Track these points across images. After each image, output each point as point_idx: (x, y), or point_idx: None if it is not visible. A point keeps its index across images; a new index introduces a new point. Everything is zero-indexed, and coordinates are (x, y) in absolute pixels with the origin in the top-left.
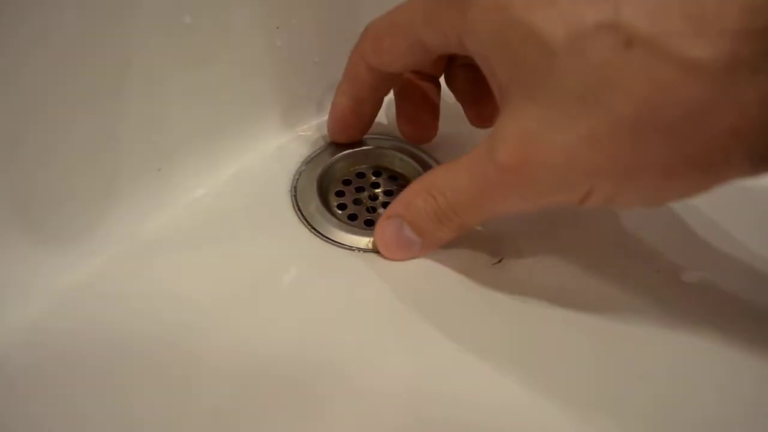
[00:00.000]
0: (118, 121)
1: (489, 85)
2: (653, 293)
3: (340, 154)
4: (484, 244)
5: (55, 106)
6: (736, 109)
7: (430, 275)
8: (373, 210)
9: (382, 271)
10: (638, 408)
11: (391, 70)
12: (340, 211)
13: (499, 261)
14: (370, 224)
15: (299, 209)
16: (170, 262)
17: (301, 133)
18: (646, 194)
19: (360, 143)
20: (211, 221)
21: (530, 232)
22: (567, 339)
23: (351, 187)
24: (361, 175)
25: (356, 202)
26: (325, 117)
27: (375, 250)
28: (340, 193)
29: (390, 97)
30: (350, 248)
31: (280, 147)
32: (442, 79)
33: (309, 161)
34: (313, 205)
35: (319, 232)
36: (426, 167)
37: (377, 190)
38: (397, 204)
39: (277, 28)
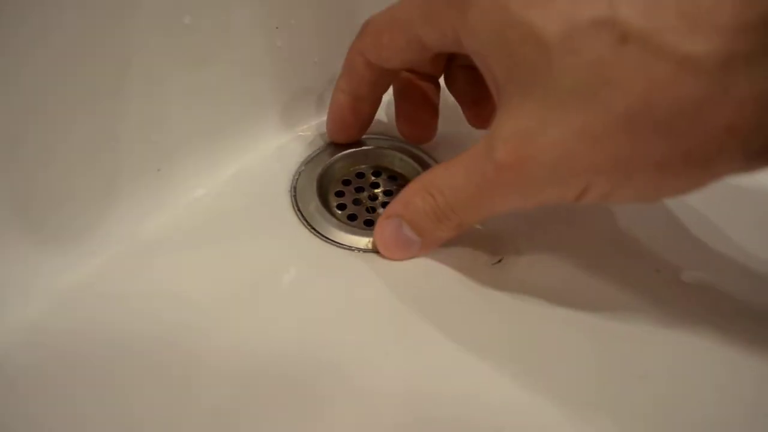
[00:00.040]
0: (118, 121)
1: (487, 85)
2: (653, 293)
3: (340, 154)
4: (484, 244)
5: (55, 106)
6: (731, 104)
7: (430, 275)
8: (373, 210)
9: (381, 271)
10: (638, 408)
11: (389, 66)
12: (339, 211)
13: (499, 261)
14: (369, 224)
15: (299, 209)
16: (170, 262)
17: (301, 133)
18: (642, 190)
19: (359, 143)
20: (211, 221)
21: (530, 231)
22: (567, 339)
23: (351, 187)
24: (360, 175)
25: (356, 202)
26: (325, 117)
27: (375, 250)
28: (339, 193)
29: (389, 97)
30: (350, 248)
31: (280, 147)
32: (441, 80)
33: (309, 161)
34: (313, 205)
35: (318, 232)
36: (425, 167)
37: (377, 190)
38: (396, 203)
39: (277, 28)
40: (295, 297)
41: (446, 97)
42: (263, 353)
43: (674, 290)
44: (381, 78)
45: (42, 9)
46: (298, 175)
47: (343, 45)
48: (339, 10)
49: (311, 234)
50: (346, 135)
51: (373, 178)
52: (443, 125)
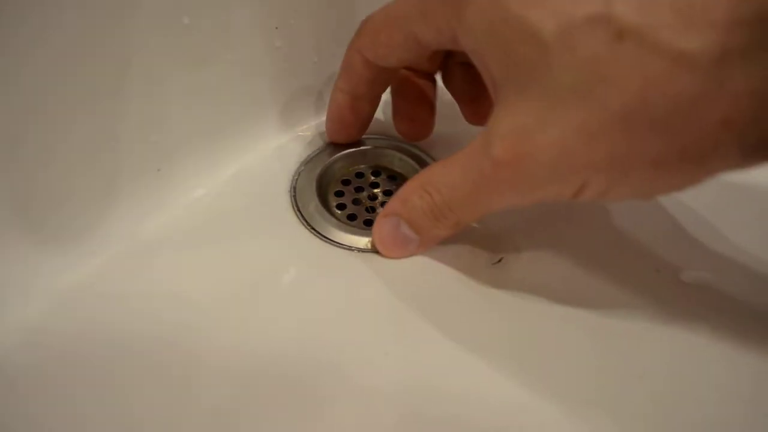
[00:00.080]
0: (118, 121)
1: (484, 82)
2: (652, 292)
3: (339, 154)
4: (484, 244)
5: (55, 106)
6: (727, 100)
7: (431, 275)
8: (373, 210)
9: (381, 271)
10: (637, 407)
11: (386, 64)
12: (339, 211)
13: (499, 260)
14: (369, 224)
15: (298, 209)
16: (170, 262)
17: (301, 134)
18: (639, 187)
19: (359, 143)
20: (210, 221)
21: (530, 231)
22: (567, 338)
23: (350, 187)
24: (360, 175)
25: (355, 202)
26: (324, 117)
27: (374, 250)
28: (339, 193)
29: (388, 97)
30: (349, 248)
31: (280, 147)
32: (438, 77)
33: (308, 161)
34: (313, 205)
35: (318, 232)
36: (425, 167)
37: (376, 190)
38: (394, 201)
39: (277, 28)
40: (294, 297)
41: (447, 96)
42: (263, 353)
43: (674, 290)
44: (379, 76)
45: (42, 9)
46: (298, 175)
47: (342, 45)
48: (338, 11)
49: (311, 234)
50: (346, 135)
51: (372, 177)
52: (442, 124)
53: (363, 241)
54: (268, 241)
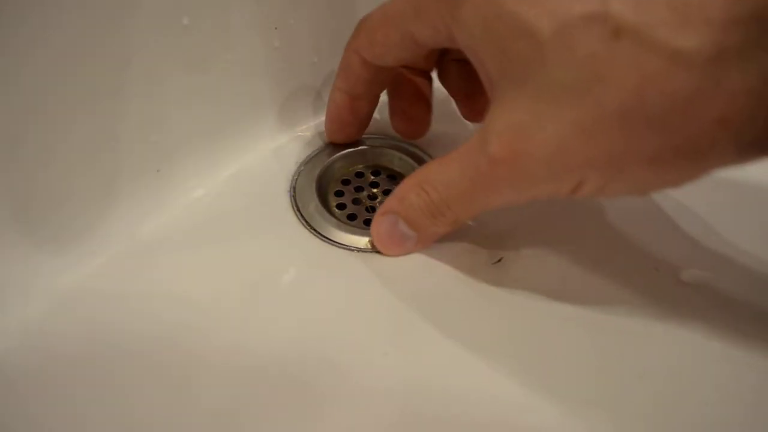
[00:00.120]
0: (118, 121)
1: (480, 79)
2: (653, 292)
3: (339, 154)
4: (484, 244)
5: (55, 106)
6: (723, 98)
7: (430, 274)
8: (372, 209)
9: (381, 271)
10: (637, 407)
11: (384, 63)
12: (339, 211)
13: (499, 260)
14: (369, 224)
15: (298, 209)
16: (170, 262)
17: (300, 134)
18: (635, 184)
19: (358, 143)
20: (210, 221)
21: (530, 231)
22: (567, 338)
23: (350, 187)
24: (359, 174)
25: (355, 201)
26: (324, 117)
27: (374, 250)
28: (339, 193)
29: (387, 97)
30: (349, 248)
31: (279, 147)
32: (434, 75)
33: (308, 161)
34: (312, 205)
35: (318, 232)
36: None
37: (376, 190)
38: (392, 199)
39: (276, 28)
40: (294, 297)
41: (446, 95)
42: (263, 353)
43: (673, 289)
44: (377, 76)
45: (42, 9)
46: (298, 175)
47: (341, 45)
48: (337, 11)
49: (311, 234)
50: (345, 134)
51: (372, 177)
52: (442, 123)
53: (363, 241)
54: (268, 241)
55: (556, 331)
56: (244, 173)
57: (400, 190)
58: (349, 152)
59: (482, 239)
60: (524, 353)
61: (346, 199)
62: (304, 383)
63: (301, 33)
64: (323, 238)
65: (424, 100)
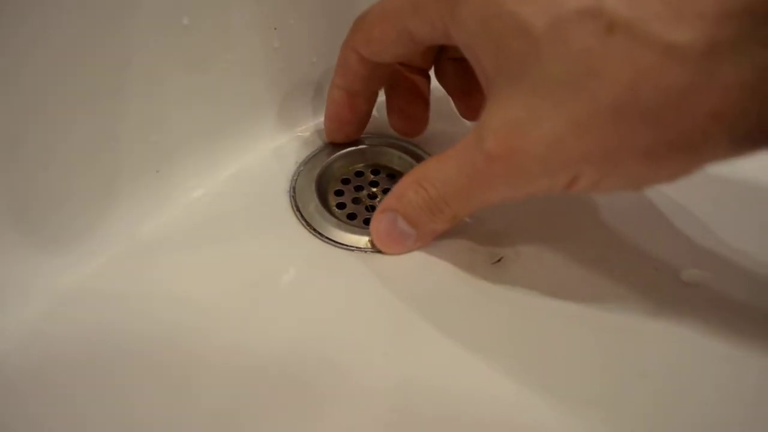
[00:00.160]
0: (118, 121)
1: (477, 76)
2: (652, 292)
3: (338, 153)
4: (484, 243)
5: (55, 106)
6: (717, 92)
7: (430, 274)
8: (372, 209)
9: (381, 271)
10: (637, 406)
11: (380, 60)
12: (339, 211)
13: (499, 260)
14: (369, 223)
15: (298, 209)
16: (170, 262)
17: (300, 134)
18: (629, 178)
19: (357, 142)
20: (210, 221)
21: (529, 231)
22: (567, 338)
23: (350, 186)
24: (359, 173)
25: (355, 201)
26: (323, 117)
27: (374, 249)
28: (339, 193)
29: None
30: (349, 247)
31: (279, 147)
32: (431, 73)
33: (307, 161)
34: (312, 204)
35: (318, 232)
36: None
37: (375, 189)
38: (390, 197)
39: (275, 29)
40: (294, 297)
41: (446, 94)
42: (263, 353)
43: (673, 289)
44: (374, 72)
45: (42, 9)
46: (297, 174)
47: (340, 46)
48: (336, 11)
49: (311, 234)
50: (344, 133)
51: (372, 176)
52: (441, 122)
53: (363, 240)
54: (268, 241)
55: (556, 330)
56: (244, 173)
57: (398, 188)
58: (348, 151)
59: (482, 239)
60: (524, 353)
61: (345, 199)
62: (304, 383)
63: (301, 33)
64: (323, 238)
65: (422, 98)
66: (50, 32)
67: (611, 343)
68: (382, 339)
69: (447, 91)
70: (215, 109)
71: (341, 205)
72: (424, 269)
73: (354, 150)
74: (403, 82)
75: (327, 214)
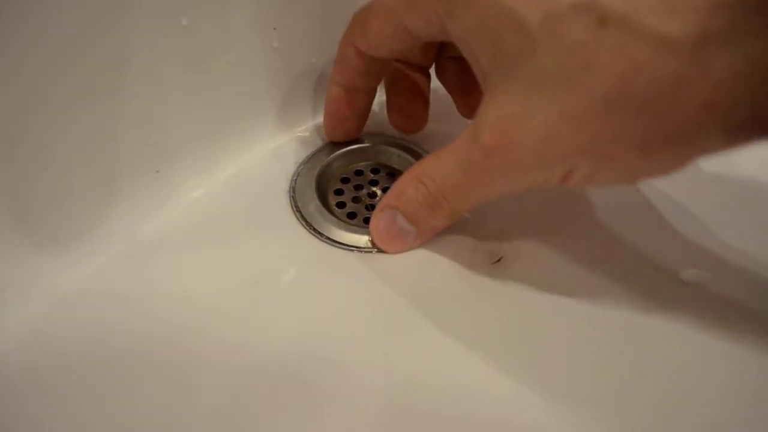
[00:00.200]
0: (118, 121)
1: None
2: (652, 291)
3: (338, 152)
4: (484, 243)
5: (55, 106)
6: (709, 83)
7: (430, 274)
8: (372, 208)
9: (381, 270)
10: (638, 405)
11: (378, 54)
12: (339, 210)
13: (499, 260)
14: (369, 222)
15: (298, 209)
16: (170, 262)
17: (299, 134)
18: (625, 171)
19: (357, 141)
20: (210, 221)
21: (529, 230)
22: (567, 337)
23: (350, 185)
24: (359, 172)
25: (355, 200)
26: (322, 118)
27: (375, 248)
28: (338, 192)
29: (385, 95)
30: (350, 247)
31: (279, 147)
32: (432, 71)
33: (307, 161)
34: (312, 204)
35: (318, 232)
36: None
37: (375, 188)
38: (390, 195)
39: (275, 29)
40: (294, 297)
41: (447, 94)
42: (263, 353)
43: (673, 289)
44: (372, 68)
45: (42, 9)
46: (297, 174)
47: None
48: (336, 11)
49: (311, 233)
50: (343, 130)
51: (371, 175)
52: (441, 121)
53: (363, 240)
54: (268, 241)
55: (556, 330)
56: (244, 173)
57: (398, 185)
58: (348, 150)
59: (482, 239)
60: (524, 353)
61: (345, 198)
62: (304, 383)
63: (300, 33)
64: (323, 238)
65: (422, 96)
66: (50, 32)
67: (611, 343)
68: (382, 339)
69: (447, 90)
70: (215, 109)
71: (341, 204)
72: (424, 269)
73: (353, 149)
74: (403, 80)
75: (327, 214)
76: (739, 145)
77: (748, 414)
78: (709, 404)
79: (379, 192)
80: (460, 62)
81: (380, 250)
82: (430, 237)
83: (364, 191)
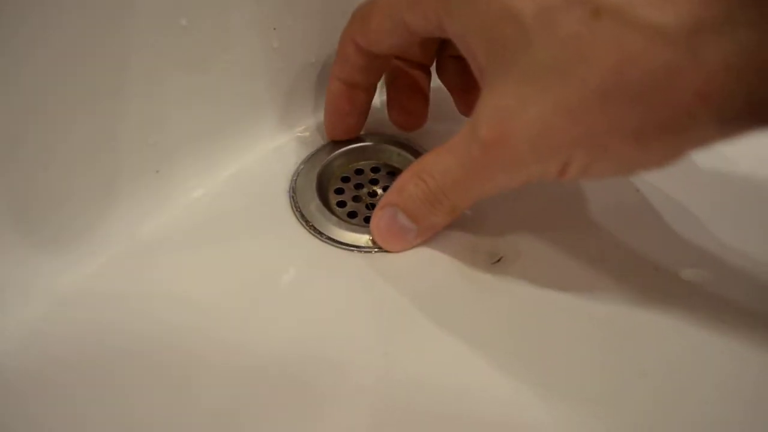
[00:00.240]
0: (118, 121)
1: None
2: (652, 291)
3: (338, 152)
4: (484, 243)
5: (55, 106)
6: (703, 73)
7: (430, 274)
8: (373, 207)
9: (381, 270)
10: (639, 405)
11: (378, 50)
12: (339, 209)
13: (499, 260)
14: (369, 221)
15: (298, 209)
16: (170, 262)
17: (299, 134)
18: (620, 162)
19: (358, 140)
20: (210, 221)
21: (529, 230)
22: (568, 337)
23: (350, 184)
24: (359, 171)
25: (355, 199)
26: (323, 118)
27: (375, 248)
28: (339, 191)
29: (385, 94)
30: (350, 246)
31: (279, 147)
32: (433, 69)
33: (307, 161)
34: (313, 204)
35: (318, 231)
36: None
37: (376, 187)
38: (390, 192)
39: (274, 29)
40: (294, 297)
41: (448, 94)
42: (263, 353)
43: (673, 288)
44: (372, 63)
45: (42, 9)
46: (297, 174)
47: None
48: (335, 11)
49: (311, 233)
50: (344, 127)
51: (372, 174)
52: (441, 120)
53: (363, 239)
54: (268, 241)
55: (556, 330)
56: (244, 173)
57: (398, 183)
58: (348, 149)
59: (482, 238)
60: (525, 352)
61: (346, 197)
62: (304, 383)
63: (300, 33)
64: (323, 238)
65: (421, 93)
66: (50, 32)
67: (611, 342)
68: (382, 338)
69: (448, 88)
70: (215, 109)
71: (341, 204)
72: (425, 269)
73: (354, 148)
74: (403, 77)
75: (327, 213)
76: (734, 136)
77: (748, 412)
78: (709, 403)
79: (379, 191)
80: (461, 61)
81: (381, 250)
82: (430, 235)
83: (365, 190)
